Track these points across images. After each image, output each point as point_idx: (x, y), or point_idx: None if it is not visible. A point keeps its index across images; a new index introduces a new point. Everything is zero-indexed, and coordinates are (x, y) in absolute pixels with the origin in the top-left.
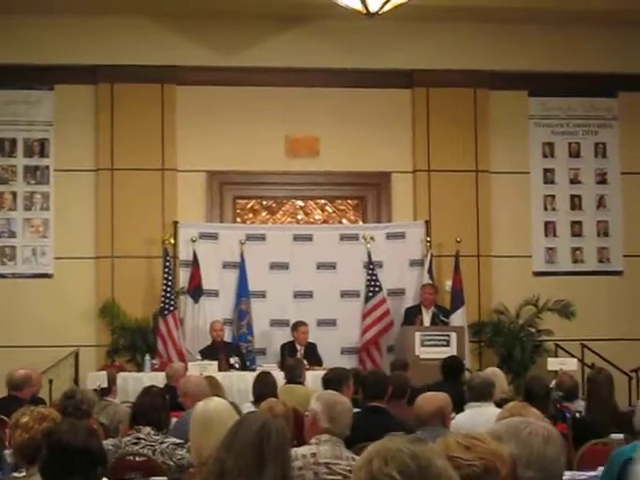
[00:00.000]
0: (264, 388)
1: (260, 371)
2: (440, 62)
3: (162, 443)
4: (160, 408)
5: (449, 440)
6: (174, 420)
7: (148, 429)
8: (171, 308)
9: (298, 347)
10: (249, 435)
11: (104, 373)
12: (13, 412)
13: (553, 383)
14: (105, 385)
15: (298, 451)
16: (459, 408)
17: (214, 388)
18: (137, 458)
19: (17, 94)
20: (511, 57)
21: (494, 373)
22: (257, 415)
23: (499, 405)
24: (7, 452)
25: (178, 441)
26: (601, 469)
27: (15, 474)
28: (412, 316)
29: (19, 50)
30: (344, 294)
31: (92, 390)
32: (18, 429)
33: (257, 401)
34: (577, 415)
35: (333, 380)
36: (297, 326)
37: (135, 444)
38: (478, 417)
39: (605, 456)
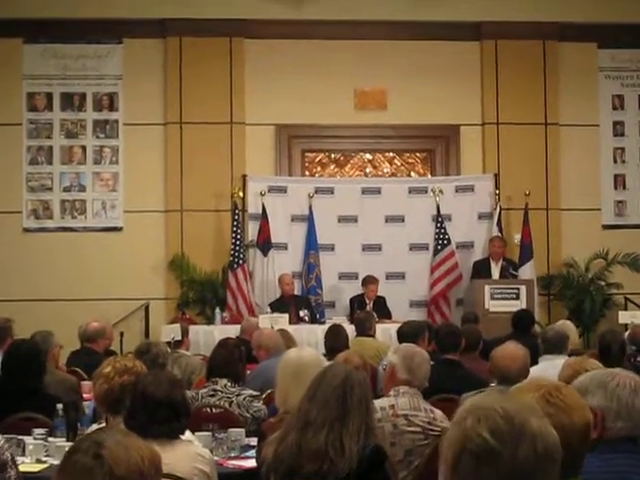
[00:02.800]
0: (336, 341)
1: (331, 324)
2: (508, 14)
3: (239, 395)
4: (236, 360)
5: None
6: (248, 372)
7: (225, 381)
8: (240, 261)
9: (367, 301)
10: (333, 386)
11: (177, 325)
12: (88, 364)
13: (625, 336)
14: (178, 337)
15: (376, 403)
16: (532, 361)
17: (288, 341)
18: (214, 410)
19: (86, 48)
20: (580, 8)
21: (565, 325)
22: (339, 367)
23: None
24: (87, 403)
25: (255, 393)
26: None
27: (94, 425)
28: (481, 268)
29: (88, 4)
30: (413, 247)
31: (165, 342)
32: (100, 379)
33: (329, 354)
34: None
35: (409, 333)
36: (367, 282)
37: (212, 396)
38: (552, 370)
39: None
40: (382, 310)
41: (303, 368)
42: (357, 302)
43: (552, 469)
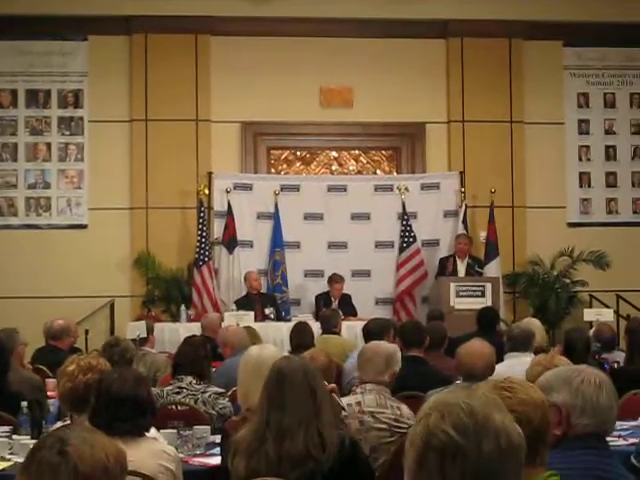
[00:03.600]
0: (302, 338)
1: (297, 321)
2: (475, 12)
3: (204, 392)
4: (202, 358)
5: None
6: (213, 370)
7: (190, 378)
8: (206, 259)
9: (333, 299)
10: (298, 385)
11: (143, 323)
12: (52, 361)
13: (590, 334)
14: (144, 335)
15: (343, 400)
16: (497, 358)
17: (253, 338)
18: (179, 407)
19: (51, 45)
20: (546, 7)
21: (532, 323)
22: (293, 363)
23: (537, 354)
24: (51, 401)
25: (220, 390)
26: None
27: (59, 423)
28: (446, 266)
29: (53, 1)
30: (378, 245)
31: (130, 340)
32: (64, 377)
33: (295, 351)
34: (615, 366)
35: (374, 330)
36: (333, 281)
37: (177, 393)
38: (518, 367)
39: None
40: (348, 307)
41: (263, 365)
42: (323, 299)
43: (517, 464)
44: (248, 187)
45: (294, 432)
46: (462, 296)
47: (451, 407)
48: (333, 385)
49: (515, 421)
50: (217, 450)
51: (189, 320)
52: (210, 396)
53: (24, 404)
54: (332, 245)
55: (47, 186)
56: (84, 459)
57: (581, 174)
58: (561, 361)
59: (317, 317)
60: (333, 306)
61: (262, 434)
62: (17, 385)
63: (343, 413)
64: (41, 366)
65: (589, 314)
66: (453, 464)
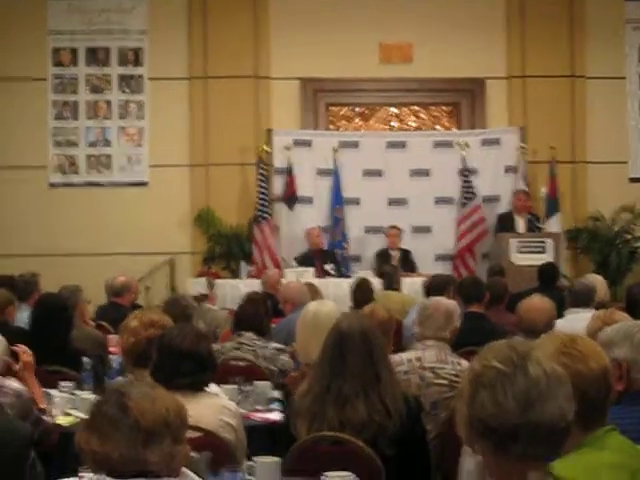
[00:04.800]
0: (363, 294)
1: (358, 277)
2: None
3: (264, 348)
4: (262, 314)
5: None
6: (274, 326)
7: (250, 334)
8: (266, 215)
9: (392, 253)
10: (357, 352)
11: (203, 279)
12: (114, 318)
13: None
14: (205, 291)
15: (403, 356)
16: (558, 314)
17: (314, 294)
18: (240, 363)
19: (110, 2)
20: None
21: (594, 279)
22: (352, 325)
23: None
24: (113, 357)
25: (280, 346)
26: None
27: (121, 378)
28: (505, 221)
29: None
30: (438, 201)
31: (192, 296)
32: (126, 333)
33: (356, 307)
34: None
35: (435, 287)
36: (387, 231)
37: (237, 349)
38: (578, 323)
39: None
40: (407, 264)
41: (321, 321)
42: (382, 256)
43: (565, 391)
44: (307, 143)
45: (354, 399)
46: (522, 252)
47: (492, 346)
48: None
49: (573, 376)
50: (277, 405)
51: (249, 277)
52: (271, 352)
53: (86, 360)
54: (392, 201)
55: (108, 144)
56: (145, 413)
57: None
58: (621, 316)
59: (378, 273)
60: (393, 262)
61: (322, 399)
62: (80, 341)
63: (402, 368)
64: (103, 322)
65: None
66: (504, 393)
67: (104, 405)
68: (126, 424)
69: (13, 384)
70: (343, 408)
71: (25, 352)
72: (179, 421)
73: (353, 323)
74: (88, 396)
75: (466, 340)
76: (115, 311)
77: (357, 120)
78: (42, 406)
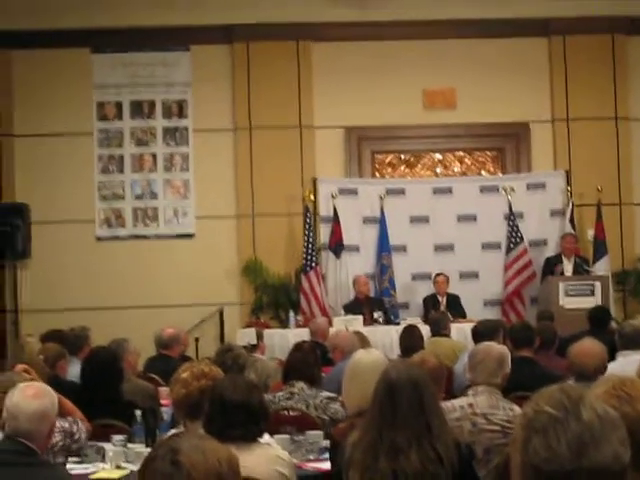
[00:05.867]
0: (411, 341)
1: (406, 324)
2: (576, 9)
3: (316, 397)
4: (312, 363)
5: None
6: (324, 375)
7: (301, 384)
8: (313, 264)
9: (440, 299)
10: (407, 401)
11: (253, 330)
12: (164, 370)
13: None
14: (254, 342)
15: (455, 402)
16: (610, 357)
17: (363, 342)
18: (291, 413)
19: (154, 56)
20: None
21: None
22: (401, 374)
23: None
24: (164, 409)
25: (331, 395)
26: None
27: (173, 430)
28: (552, 265)
29: (154, 12)
30: (485, 246)
31: (241, 346)
32: (177, 384)
33: (405, 354)
34: None
35: (484, 332)
36: (435, 278)
37: (289, 399)
38: (629, 366)
39: None
40: (456, 309)
41: (366, 370)
42: (430, 302)
43: (619, 435)
44: (353, 192)
45: (407, 449)
46: (571, 295)
47: (544, 392)
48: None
49: (622, 417)
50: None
51: (298, 326)
52: (322, 401)
53: (138, 413)
54: (439, 247)
55: (154, 196)
56: (197, 467)
57: None
58: None
59: (426, 320)
60: (441, 307)
61: (375, 450)
62: (131, 394)
63: (454, 415)
64: (153, 375)
65: None
66: (557, 438)
67: (155, 460)
68: (178, 478)
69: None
70: (396, 458)
71: None
72: (232, 472)
73: (402, 372)
74: (141, 449)
75: (517, 385)
76: (164, 363)
77: (402, 167)
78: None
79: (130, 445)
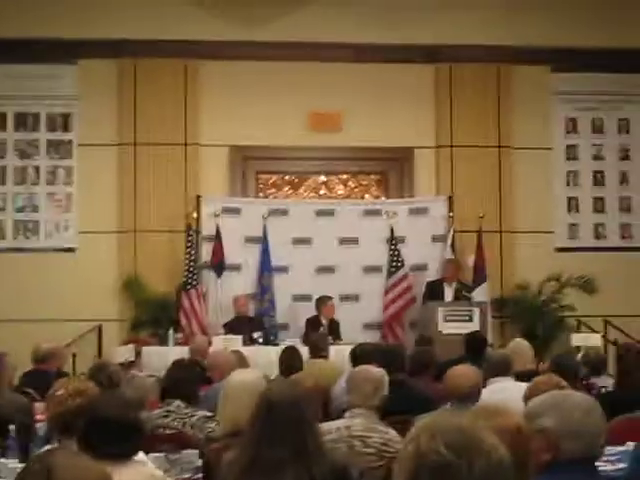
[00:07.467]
0: (291, 362)
1: (286, 345)
2: (463, 37)
3: (192, 416)
4: (190, 381)
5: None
6: (202, 393)
7: (178, 402)
8: (194, 282)
9: (323, 321)
10: (285, 420)
11: (131, 346)
12: (40, 385)
13: (579, 358)
14: (132, 358)
15: (332, 424)
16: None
17: (242, 362)
18: (168, 431)
19: (40, 68)
20: (534, 32)
21: (519, 344)
22: (280, 393)
23: (524, 376)
24: (39, 425)
25: (208, 414)
26: (631, 444)
27: (47, 446)
28: (434, 289)
29: (42, 25)
30: (367, 269)
31: (118, 363)
32: (53, 401)
33: (283, 375)
34: (603, 390)
35: (361, 355)
36: (324, 300)
37: (165, 417)
38: (500, 392)
39: (635, 431)
40: (336, 334)
41: (244, 390)
42: (312, 323)
43: None
44: (236, 211)
45: (282, 469)
46: (450, 320)
47: (441, 427)
48: None
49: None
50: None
51: (177, 344)
52: (198, 419)
53: (12, 427)
54: (320, 269)
55: (35, 209)
56: None
57: (569, 199)
58: (559, 381)
59: (306, 341)
60: (322, 330)
61: (250, 468)
62: (5, 408)
63: (331, 437)
64: (29, 389)
65: (577, 339)
66: None
67: (28, 477)
68: None
69: None
70: (271, 477)
71: None
72: None
73: (283, 390)
74: (14, 465)
75: (392, 407)
76: (41, 378)
77: (286, 188)
78: None
79: (2, 460)
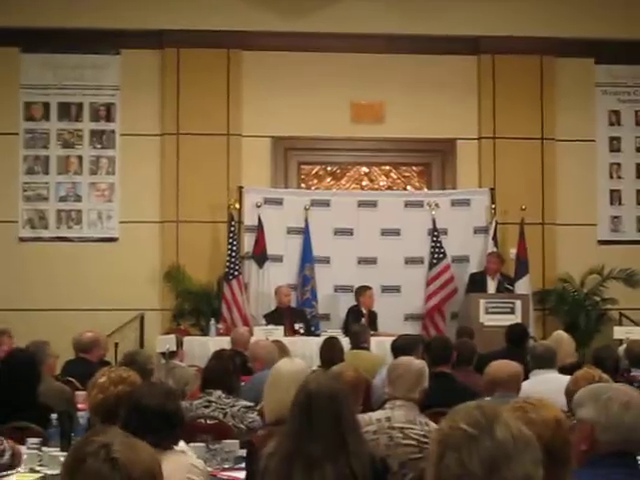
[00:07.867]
0: (331, 353)
1: (327, 336)
2: (506, 28)
3: (233, 406)
4: (231, 372)
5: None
6: (242, 384)
7: (219, 392)
8: (236, 273)
9: (363, 311)
10: (325, 415)
11: (172, 336)
12: (82, 374)
13: (621, 351)
14: (173, 348)
15: (373, 415)
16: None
17: (282, 352)
18: (208, 421)
19: (84, 59)
20: (578, 24)
21: (561, 337)
22: (320, 388)
23: (566, 369)
24: (81, 413)
25: (249, 404)
26: None
27: None
28: (476, 281)
29: (86, 15)
30: (408, 260)
31: (159, 353)
32: (95, 389)
33: (324, 366)
34: None
35: (403, 346)
36: (363, 290)
37: (206, 407)
38: (541, 384)
39: None
40: (373, 325)
41: (289, 380)
42: (353, 314)
43: (533, 455)
44: (279, 202)
45: (322, 463)
46: (492, 313)
47: (460, 409)
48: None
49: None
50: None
51: (218, 334)
52: (239, 410)
53: (54, 416)
54: (362, 260)
55: (78, 199)
56: (134, 466)
57: (612, 191)
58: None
59: (346, 332)
60: (363, 321)
61: (291, 461)
62: (47, 397)
63: (371, 428)
64: (71, 378)
65: (619, 332)
66: (470, 455)
67: (87, 458)
68: (116, 478)
69: None
70: (310, 472)
71: None
72: (160, 471)
73: (321, 384)
74: (56, 453)
75: (433, 400)
76: (83, 367)
77: (328, 179)
78: None
79: (45, 449)
